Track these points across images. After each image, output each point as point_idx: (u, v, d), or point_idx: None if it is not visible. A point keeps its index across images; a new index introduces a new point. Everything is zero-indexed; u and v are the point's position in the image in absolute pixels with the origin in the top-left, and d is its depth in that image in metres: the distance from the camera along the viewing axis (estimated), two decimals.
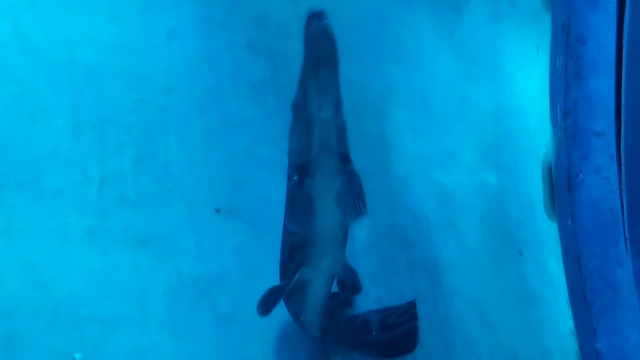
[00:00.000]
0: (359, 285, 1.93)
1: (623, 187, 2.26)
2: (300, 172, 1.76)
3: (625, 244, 2.31)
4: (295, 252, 1.85)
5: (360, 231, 2.24)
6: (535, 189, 2.43)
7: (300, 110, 1.69)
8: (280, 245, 1.89)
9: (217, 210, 2.07)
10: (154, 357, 1.89)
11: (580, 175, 2.33)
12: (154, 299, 1.93)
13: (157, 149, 2.00)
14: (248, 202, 2.08)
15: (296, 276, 1.83)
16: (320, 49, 1.60)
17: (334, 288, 1.97)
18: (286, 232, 1.88)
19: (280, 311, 1.96)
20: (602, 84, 2.20)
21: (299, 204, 1.75)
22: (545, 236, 2.55)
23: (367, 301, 2.23)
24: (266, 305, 1.81)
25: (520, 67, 2.44)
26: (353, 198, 1.74)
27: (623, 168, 2.23)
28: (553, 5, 2.30)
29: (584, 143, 2.31)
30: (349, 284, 1.91)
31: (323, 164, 1.75)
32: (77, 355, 1.82)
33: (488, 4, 2.57)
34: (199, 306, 1.97)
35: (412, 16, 2.48)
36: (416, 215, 2.35)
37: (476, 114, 2.54)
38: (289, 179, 1.80)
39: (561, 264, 2.47)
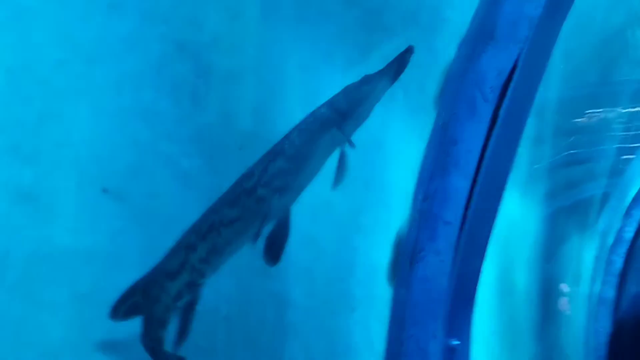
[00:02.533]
0: (283, 243, 2.16)
1: (454, 272, 2.65)
2: (340, 116, 2.22)
3: (443, 321, 2.69)
4: (277, 180, 2.11)
5: None
6: (383, 255, 2.73)
7: (371, 82, 2.26)
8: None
9: (105, 190, 2.06)
10: None
11: (423, 253, 2.69)
12: (15, 259, 1.86)
13: (65, 112, 1.97)
14: (137, 191, 2.11)
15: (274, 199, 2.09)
16: (401, 69, 2.32)
17: None
18: (278, 159, 2.13)
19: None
20: (460, 183, 2.61)
21: (324, 138, 2.17)
22: (379, 300, 2.85)
23: (217, 317, 2.32)
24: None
25: (402, 148, 2.79)
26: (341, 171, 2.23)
27: (458, 256, 2.63)
28: (439, 107, 2.71)
29: (433, 227, 2.69)
30: (280, 237, 2.15)
31: (351, 126, 2.26)
32: None
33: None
34: (58, 278, 1.92)
35: (319, 79, 2.74)
36: None
37: (350, 178, 2.82)
38: (319, 115, 2.23)
39: (384, 326, 2.77)
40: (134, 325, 1.97)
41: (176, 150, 2.19)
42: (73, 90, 1.99)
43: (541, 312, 6.09)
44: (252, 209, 2.08)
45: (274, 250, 2.12)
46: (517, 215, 5.22)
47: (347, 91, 2.28)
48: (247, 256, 2.39)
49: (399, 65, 2.30)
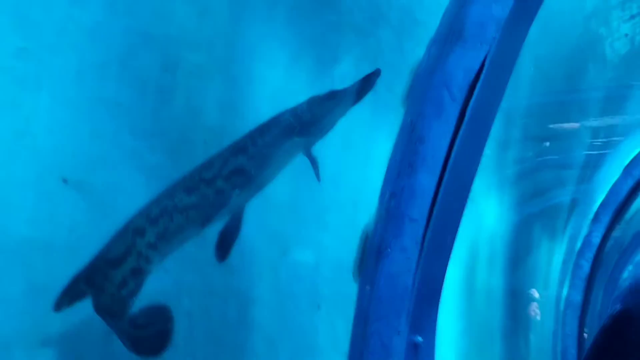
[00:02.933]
0: (234, 239, 2.19)
1: (419, 269, 2.66)
2: (302, 126, 2.28)
3: (407, 317, 2.70)
4: (237, 176, 2.14)
5: (189, 247, 2.33)
6: (349, 252, 2.73)
7: (336, 98, 2.34)
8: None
9: (65, 180, 2.02)
10: None
11: (389, 249, 2.69)
12: None
13: (24, 101, 1.93)
14: (98, 182, 2.07)
15: (233, 194, 2.13)
16: (366, 90, 2.40)
17: None
18: (239, 155, 2.17)
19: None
20: (426, 180, 2.62)
21: (285, 144, 2.23)
22: (344, 296, 2.85)
23: (179, 312, 2.30)
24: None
25: (369, 147, 2.80)
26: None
27: (423, 253, 2.64)
28: (407, 105, 2.73)
29: (399, 224, 2.69)
30: (232, 234, 2.17)
31: (313, 137, 2.34)
32: None
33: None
34: (14, 269, 1.87)
35: (287, 77, 2.75)
36: (244, 247, 2.51)
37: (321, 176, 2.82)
38: (282, 121, 2.28)
39: (348, 324, 2.76)
40: (88, 318, 1.94)
41: (140, 144, 2.16)
42: (34, 78, 1.95)
43: (510, 315, 6.17)
44: (210, 199, 2.10)
45: (225, 246, 2.14)
46: (488, 220, 5.28)
47: (312, 103, 2.37)
48: (210, 251, 2.38)
49: (364, 86, 2.40)
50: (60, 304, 1.95)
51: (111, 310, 1.98)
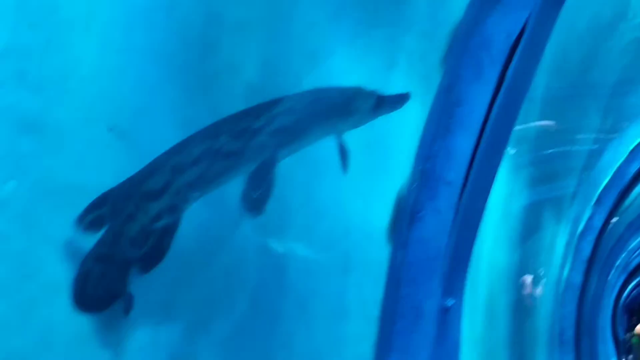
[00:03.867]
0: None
1: (453, 232, 2.65)
2: (346, 111, 2.40)
3: (440, 280, 2.69)
4: (282, 134, 2.17)
5: (229, 199, 2.30)
6: (382, 217, 2.72)
7: (378, 100, 2.45)
8: None
9: (110, 129, 1.98)
10: None
11: (422, 212, 2.68)
12: (18, 189, 1.76)
13: (73, 41, 1.87)
14: (143, 133, 2.03)
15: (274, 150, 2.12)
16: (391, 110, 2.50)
17: None
18: (288, 115, 2.17)
19: None
20: (463, 143, 2.61)
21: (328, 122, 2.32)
22: (376, 261, 2.84)
23: (217, 269, 2.28)
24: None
25: (402, 113, 2.77)
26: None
27: (458, 216, 2.63)
28: (445, 68, 2.70)
29: (434, 187, 2.68)
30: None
31: (350, 124, 2.42)
32: None
33: (385, 52, 2.91)
34: (58, 212, 1.84)
35: (326, 37, 2.72)
36: (282, 209, 2.49)
37: (350, 142, 2.79)
38: (333, 98, 2.38)
39: (377, 290, 2.75)
40: None
41: (183, 96, 2.12)
42: (83, 20, 1.90)
43: (513, 294, 6.22)
44: (252, 150, 2.07)
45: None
46: (499, 198, 5.28)
47: (360, 94, 2.45)
48: (232, 213, 2.35)
49: (392, 105, 2.54)
50: (80, 222, 1.85)
51: (135, 242, 1.89)
